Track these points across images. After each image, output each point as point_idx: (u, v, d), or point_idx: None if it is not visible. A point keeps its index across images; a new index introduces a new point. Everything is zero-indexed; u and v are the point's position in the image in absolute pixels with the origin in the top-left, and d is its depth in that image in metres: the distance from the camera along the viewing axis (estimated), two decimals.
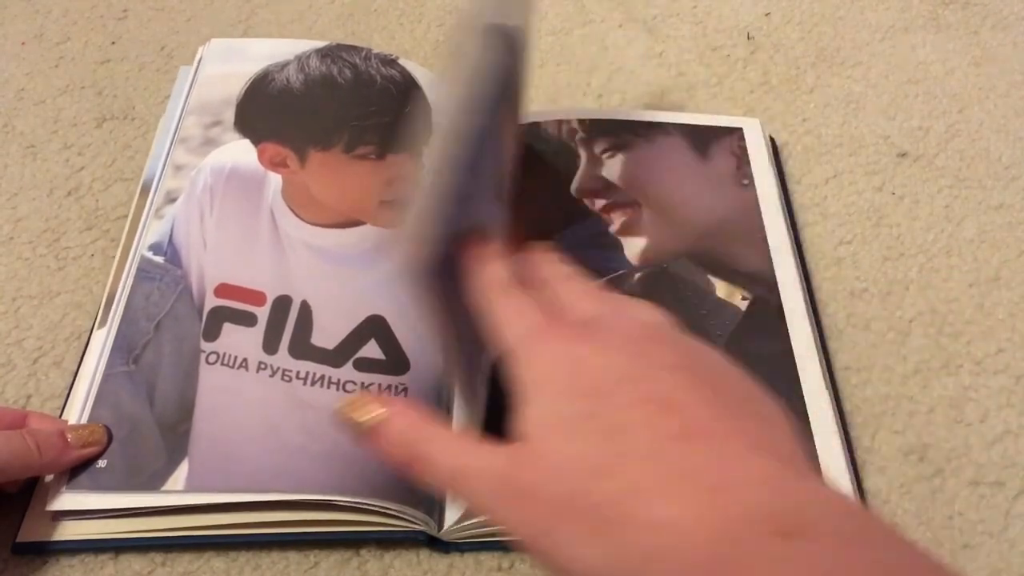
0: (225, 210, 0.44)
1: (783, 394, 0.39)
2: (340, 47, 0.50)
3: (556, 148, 0.49)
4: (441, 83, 0.33)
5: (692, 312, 0.42)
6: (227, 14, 0.61)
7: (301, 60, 0.50)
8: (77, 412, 0.38)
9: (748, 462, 0.23)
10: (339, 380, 0.39)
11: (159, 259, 0.43)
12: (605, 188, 0.47)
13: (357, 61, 0.50)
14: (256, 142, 0.47)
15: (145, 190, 0.46)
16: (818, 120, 0.54)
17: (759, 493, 0.22)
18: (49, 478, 0.37)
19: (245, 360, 0.39)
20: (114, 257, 0.44)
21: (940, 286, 0.46)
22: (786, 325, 0.42)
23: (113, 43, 0.59)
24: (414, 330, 0.41)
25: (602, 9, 0.61)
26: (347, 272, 0.42)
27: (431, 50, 0.58)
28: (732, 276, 0.44)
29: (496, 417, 0.28)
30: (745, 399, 0.26)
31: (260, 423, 0.38)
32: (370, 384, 0.39)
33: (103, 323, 0.41)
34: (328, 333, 0.41)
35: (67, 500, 0.36)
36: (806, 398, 0.39)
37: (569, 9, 0.62)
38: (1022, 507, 0.38)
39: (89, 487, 0.36)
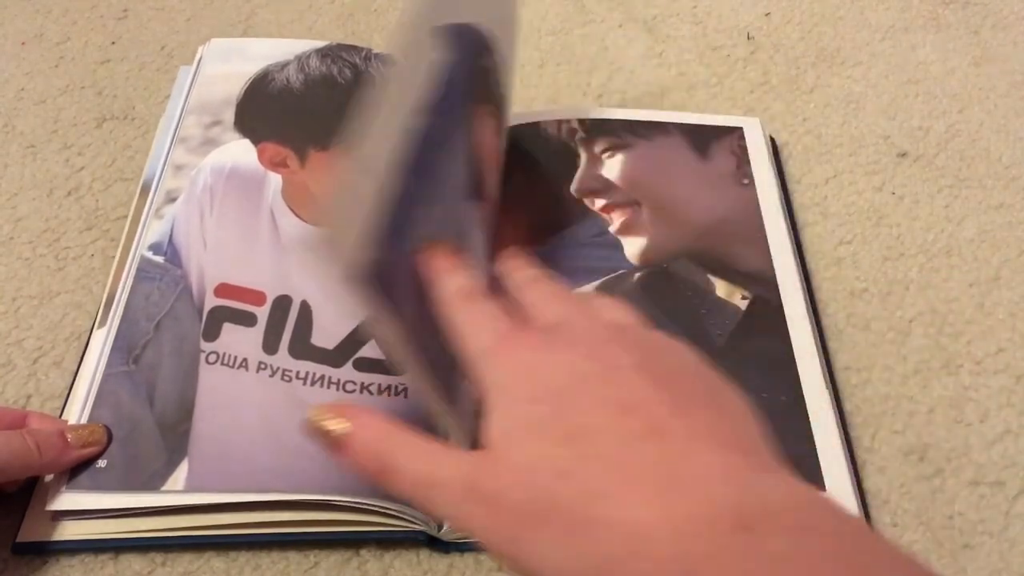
0: (225, 210, 0.44)
1: (783, 394, 0.39)
2: (340, 47, 0.50)
3: (556, 148, 0.49)
4: (378, 84, 0.33)
5: (692, 311, 0.42)
6: (227, 14, 0.61)
7: (301, 60, 0.50)
8: (77, 412, 0.38)
9: (709, 458, 0.23)
10: (339, 380, 0.39)
11: (159, 259, 0.43)
12: (605, 188, 0.47)
13: (357, 61, 0.50)
14: (256, 142, 0.47)
15: (145, 190, 0.46)
16: (818, 120, 0.54)
17: (720, 488, 0.22)
18: (49, 478, 0.37)
19: (245, 360, 0.39)
20: (114, 257, 0.44)
21: (940, 286, 0.46)
22: (786, 325, 0.42)
23: (113, 43, 0.59)
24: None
25: (602, 9, 0.61)
26: None
27: None
28: (732, 275, 0.44)
29: None
30: (708, 395, 0.26)
31: (260, 423, 0.38)
32: (370, 384, 0.39)
33: (103, 323, 0.41)
34: (328, 333, 0.41)
35: (67, 500, 0.36)
36: (806, 398, 0.39)
37: (569, 9, 0.62)
38: (1022, 507, 0.38)
39: (89, 487, 0.36)
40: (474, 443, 0.29)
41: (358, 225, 0.30)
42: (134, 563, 0.37)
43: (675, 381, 0.26)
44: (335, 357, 0.40)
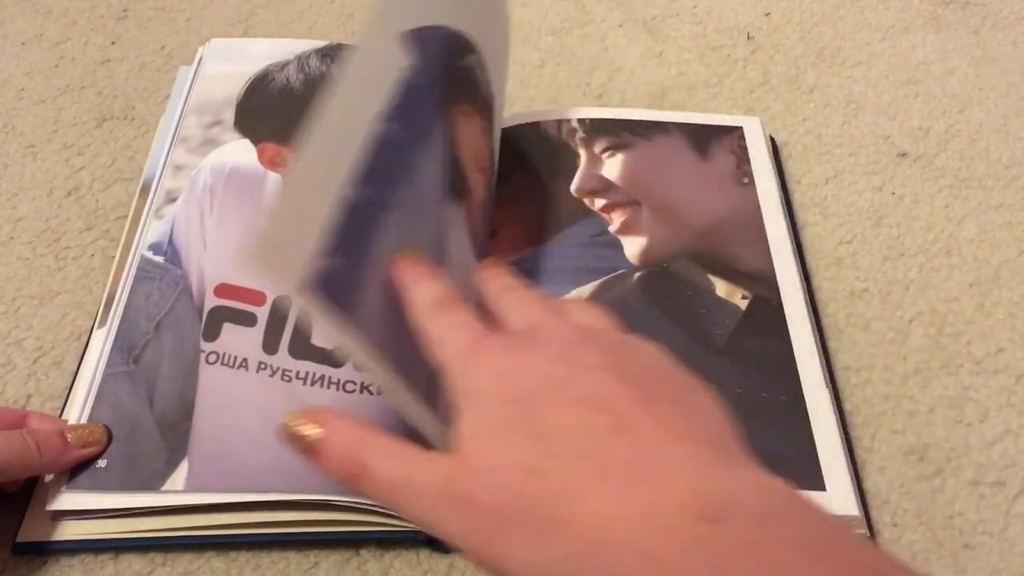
0: (225, 210, 0.44)
1: (783, 393, 0.39)
2: (340, 47, 0.50)
3: (556, 148, 0.49)
4: (330, 89, 0.33)
5: (692, 311, 0.42)
6: (227, 14, 0.61)
7: (301, 60, 0.50)
8: (77, 412, 0.38)
9: (675, 452, 0.24)
10: (339, 380, 0.39)
11: (159, 259, 0.43)
12: (605, 187, 0.47)
13: None
14: (256, 142, 0.47)
15: (145, 190, 0.46)
16: (818, 120, 0.54)
17: (685, 481, 0.23)
18: (49, 478, 0.37)
19: (245, 360, 0.39)
20: (114, 257, 0.44)
21: (940, 286, 0.46)
22: (786, 324, 0.42)
23: (113, 43, 0.59)
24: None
25: (602, 9, 0.61)
26: None
27: None
28: (732, 275, 0.44)
29: None
30: (676, 393, 0.27)
31: (260, 423, 0.38)
32: (370, 384, 0.39)
33: (103, 323, 0.41)
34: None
35: (67, 500, 0.36)
36: (806, 397, 0.39)
37: (569, 9, 0.62)
38: (1022, 507, 0.38)
39: (89, 487, 0.36)
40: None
41: (305, 233, 0.31)
42: (134, 563, 0.37)
43: (643, 380, 0.26)
44: (335, 357, 0.40)
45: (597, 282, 0.43)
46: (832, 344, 0.44)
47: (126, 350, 0.40)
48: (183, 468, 0.36)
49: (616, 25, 0.60)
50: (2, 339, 0.44)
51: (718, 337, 0.41)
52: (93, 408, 0.38)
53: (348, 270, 0.31)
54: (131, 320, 0.41)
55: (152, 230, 0.44)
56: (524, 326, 0.30)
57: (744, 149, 0.49)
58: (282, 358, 0.40)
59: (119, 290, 0.42)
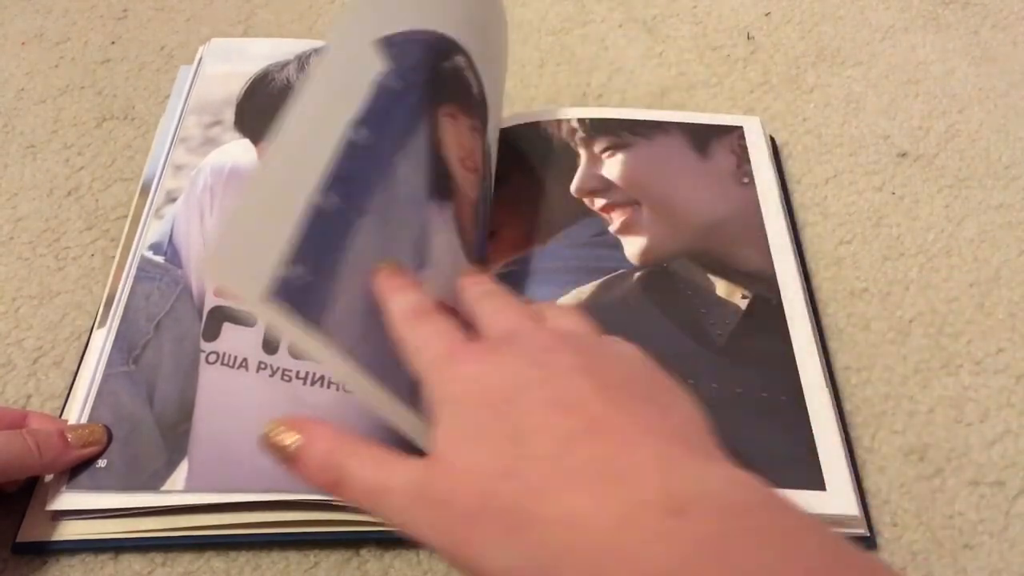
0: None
1: (783, 393, 0.39)
2: None
3: (556, 148, 0.49)
4: (295, 98, 0.34)
5: (692, 311, 0.42)
6: (227, 14, 0.61)
7: (301, 60, 0.50)
8: (77, 412, 0.38)
9: (645, 450, 0.24)
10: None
11: (159, 259, 0.43)
12: (605, 187, 0.47)
13: None
14: (256, 142, 0.47)
15: (145, 190, 0.46)
16: (818, 120, 0.54)
17: (654, 477, 0.23)
18: (49, 478, 0.37)
19: (245, 360, 0.39)
20: (114, 257, 0.44)
21: (940, 286, 0.46)
22: (786, 324, 0.42)
23: (113, 43, 0.59)
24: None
25: (602, 9, 0.61)
26: None
27: None
28: (732, 275, 0.44)
29: None
30: (649, 393, 0.27)
31: (260, 423, 0.38)
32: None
33: (103, 323, 0.41)
34: None
35: (67, 500, 0.36)
36: (806, 397, 0.39)
37: (569, 9, 0.62)
38: (1022, 507, 0.38)
39: (89, 487, 0.36)
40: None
41: (267, 242, 0.31)
42: (134, 563, 0.37)
43: (617, 381, 0.27)
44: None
45: (597, 282, 0.43)
46: (832, 344, 0.44)
47: (126, 350, 0.40)
48: (183, 468, 0.36)
49: (616, 25, 0.60)
50: (2, 339, 0.44)
51: (718, 337, 0.41)
52: (93, 408, 0.38)
53: (315, 278, 0.32)
54: (131, 320, 0.41)
55: (152, 230, 0.44)
56: (501, 332, 0.31)
57: (744, 149, 0.49)
58: (282, 358, 0.40)
59: (119, 290, 0.42)
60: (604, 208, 0.46)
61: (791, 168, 0.52)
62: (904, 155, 0.52)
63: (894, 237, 0.48)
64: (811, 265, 0.47)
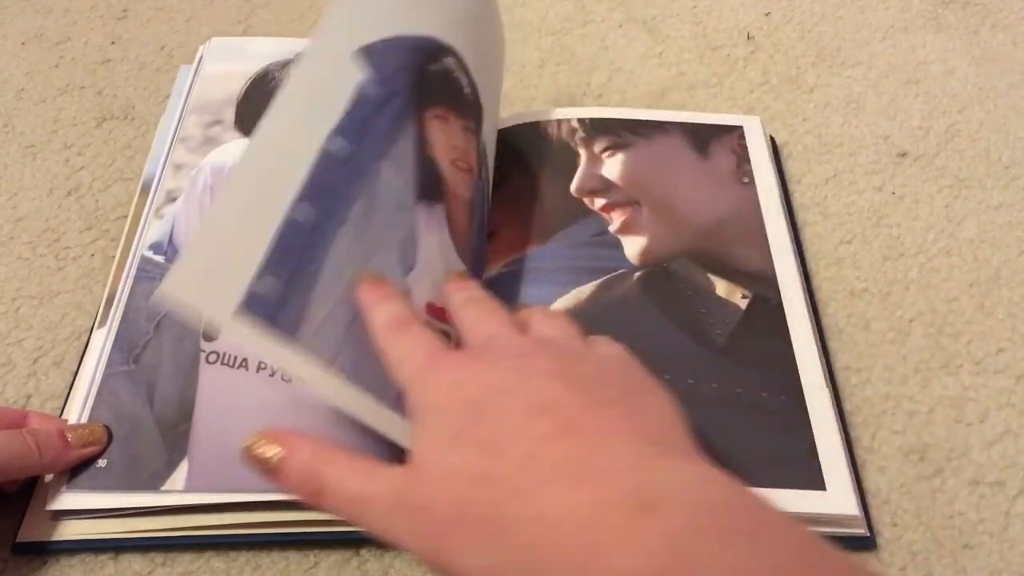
0: None
1: (783, 393, 0.39)
2: None
3: (556, 148, 0.49)
4: (271, 113, 0.34)
5: (692, 311, 0.42)
6: (227, 14, 0.61)
7: None
8: (77, 412, 0.38)
9: (617, 449, 0.25)
10: None
11: (159, 258, 0.43)
12: (605, 187, 0.47)
13: None
14: None
15: (145, 189, 0.46)
16: (818, 120, 0.54)
17: (625, 475, 0.24)
18: (49, 478, 0.37)
19: (245, 360, 0.39)
20: (114, 257, 0.44)
21: (940, 286, 0.46)
22: (786, 324, 0.42)
23: (113, 43, 0.59)
24: None
25: (602, 9, 0.61)
26: None
27: None
28: (732, 275, 0.44)
29: None
30: (624, 393, 0.28)
31: (260, 423, 0.38)
32: None
33: (103, 323, 0.41)
34: None
35: (67, 500, 0.36)
36: (806, 397, 0.39)
37: (569, 9, 0.62)
38: (1022, 507, 0.38)
39: (89, 487, 0.36)
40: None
41: (237, 258, 0.32)
42: (134, 563, 0.37)
43: (591, 384, 0.27)
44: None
45: (597, 282, 0.43)
46: (832, 344, 0.44)
47: (126, 350, 0.40)
48: (183, 468, 0.36)
49: (616, 25, 0.60)
50: (2, 339, 0.44)
51: (718, 337, 0.41)
52: (93, 408, 0.38)
53: (290, 291, 0.32)
54: (131, 320, 0.41)
55: (152, 230, 0.44)
56: (481, 340, 0.31)
57: (744, 149, 0.49)
58: None
59: (119, 290, 0.42)
60: (604, 208, 0.46)
61: (791, 168, 0.52)
62: (904, 155, 0.52)
63: (894, 237, 0.48)
64: (811, 265, 0.47)
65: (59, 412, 0.40)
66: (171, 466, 0.37)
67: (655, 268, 0.44)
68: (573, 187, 0.47)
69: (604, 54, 0.58)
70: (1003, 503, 0.38)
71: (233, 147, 0.47)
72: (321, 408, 0.38)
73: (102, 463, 0.37)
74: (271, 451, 0.30)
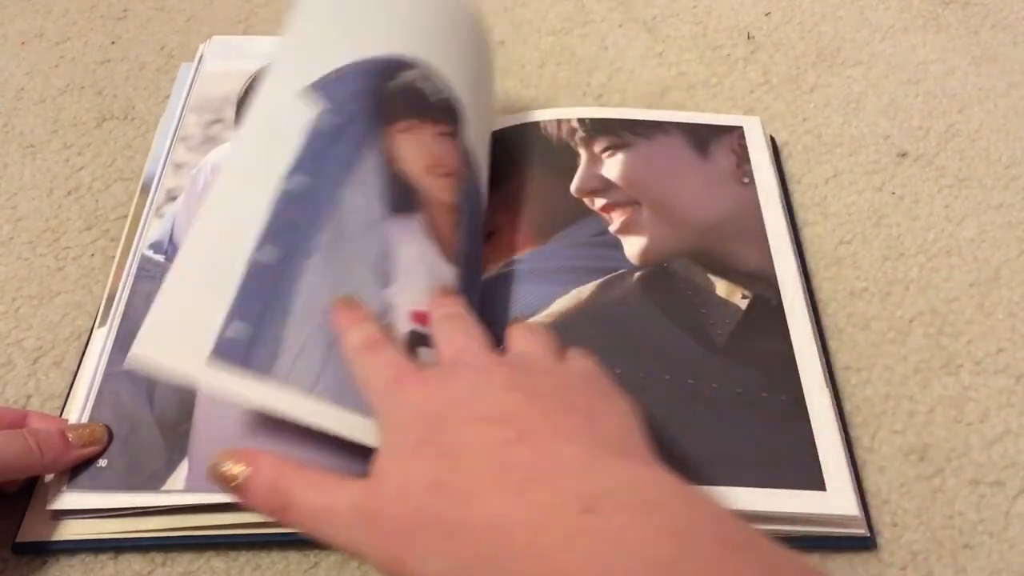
0: None
1: (783, 393, 0.39)
2: None
3: (556, 148, 0.49)
4: (226, 166, 0.35)
5: (692, 311, 0.42)
6: (227, 14, 0.61)
7: None
8: (77, 412, 0.38)
9: (563, 453, 0.26)
10: None
11: (160, 258, 0.43)
12: (605, 187, 0.47)
13: None
14: None
15: (145, 189, 0.46)
16: (818, 120, 0.54)
17: (572, 478, 0.25)
18: (49, 478, 0.37)
19: None
20: (114, 257, 0.44)
21: (940, 286, 0.46)
22: (786, 324, 0.42)
23: (113, 43, 0.59)
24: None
25: (602, 9, 0.61)
26: None
27: None
28: (732, 275, 0.44)
29: None
30: (579, 402, 0.29)
31: (260, 423, 0.38)
32: None
33: (103, 322, 0.41)
34: None
35: (67, 499, 0.36)
36: (806, 397, 0.39)
37: (569, 9, 0.62)
38: (1022, 507, 0.38)
39: (89, 487, 0.36)
40: None
41: (206, 310, 0.32)
42: (134, 563, 0.37)
43: (548, 395, 0.28)
44: None
45: (597, 282, 0.43)
46: (832, 344, 0.44)
47: (126, 349, 0.40)
48: (183, 468, 0.36)
49: (616, 25, 0.60)
50: (2, 339, 0.44)
51: (718, 337, 0.41)
52: (93, 408, 0.38)
53: (260, 331, 0.33)
54: (132, 319, 0.41)
55: (153, 229, 0.44)
56: (451, 355, 0.32)
57: (744, 149, 0.49)
58: None
59: (119, 289, 0.42)
60: (604, 208, 0.46)
61: (791, 168, 0.52)
62: (904, 155, 0.52)
63: (894, 237, 0.48)
64: (811, 265, 0.47)
65: (59, 412, 0.40)
66: (171, 466, 0.37)
67: (655, 268, 0.44)
68: (573, 187, 0.47)
69: (604, 54, 0.58)
70: (1003, 503, 0.38)
71: None
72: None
73: (102, 463, 0.37)
74: (236, 469, 0.31)
